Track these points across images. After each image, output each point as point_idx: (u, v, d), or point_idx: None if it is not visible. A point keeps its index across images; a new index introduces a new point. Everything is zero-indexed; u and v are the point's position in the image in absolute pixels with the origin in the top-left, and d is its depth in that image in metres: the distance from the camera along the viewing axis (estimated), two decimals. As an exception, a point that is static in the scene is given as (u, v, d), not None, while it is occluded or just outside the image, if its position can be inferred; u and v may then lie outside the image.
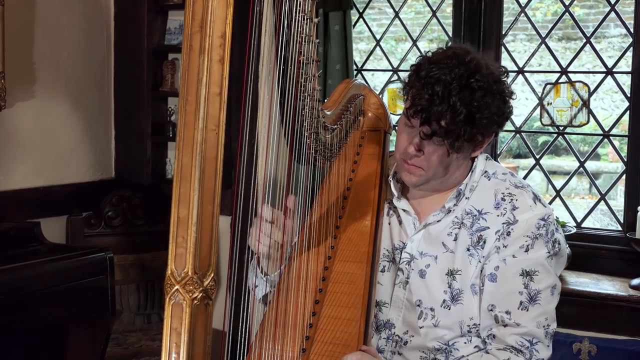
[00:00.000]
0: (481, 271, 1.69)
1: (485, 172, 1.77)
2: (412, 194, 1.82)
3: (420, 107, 1.61)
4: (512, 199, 1.71)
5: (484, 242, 1.69)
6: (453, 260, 1.72)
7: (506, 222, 1.69)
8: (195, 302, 1.09)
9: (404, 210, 1.81)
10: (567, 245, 3.06)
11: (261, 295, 1.80)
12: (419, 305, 1.73)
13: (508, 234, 1.68)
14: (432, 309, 1.72)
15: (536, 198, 1.72)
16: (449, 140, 1.62)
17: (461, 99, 1.59)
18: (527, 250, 1.66)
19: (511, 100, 1.70)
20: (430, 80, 1.61)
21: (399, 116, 1.78)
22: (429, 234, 1.76)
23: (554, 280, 1.69)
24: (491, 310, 1.65)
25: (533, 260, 1.66)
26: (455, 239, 1.73)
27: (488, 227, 1.70)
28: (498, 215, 1.70)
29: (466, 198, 1.75)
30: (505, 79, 1.69)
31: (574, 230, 3.14)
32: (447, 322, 1.70)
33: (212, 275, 1.11)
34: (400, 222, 1.82)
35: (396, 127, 1.84)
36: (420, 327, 1.73)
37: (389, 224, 1.84)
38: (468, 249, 1.71)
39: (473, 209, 1.73)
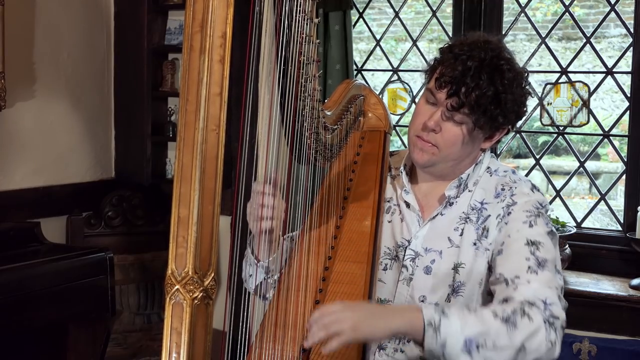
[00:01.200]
0: (490, 259, 1.70)
1: (489, 168, 1.81)
2: (419, 187, 1.84)
3: (453, 77, 1.66)
4: (510, 187, 1.75)
5: (487, 231, 1.71)
6: (458, 254, 1.72)
7: (505, 206, 1.72)
8: (196, 301, 1.09)
9: (408, 206, 1.81)
10: (567, 245, 3.09)
11: (254, 285, 1.80)
12: (422, 302, 1.74)
13: (509, 214, 1.71)
14: (436, 304, 1.71)
15: (534, 188, 1.76)
16: (475, 116, 1.67)
17: (491, 78, 1.65)
18: (530, 226, 1.68)
19: (530, 99, 1.77)
20: (464, 56, 1.67)
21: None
22: (434, 229, 1.77)
23: (557, 257, 1.69)
24: (500, 277, 1.63)
25: (536, 232, 1.67)
26: (462, 234, 1.74)
27: (490, 215, 1.73)
28: (498, 202, 1.73)
29: (469, 191, 1.77)
30: (526, 74, 1.75)
31: (574, 230, 3.14)
32: None
33: (213, 275, 1.11)
34: (402, 219, 1.82)
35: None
36: None
37: (390, 222, 1.84)
38: (474, 244, 1.72)
39: (476, 203, 1.76)
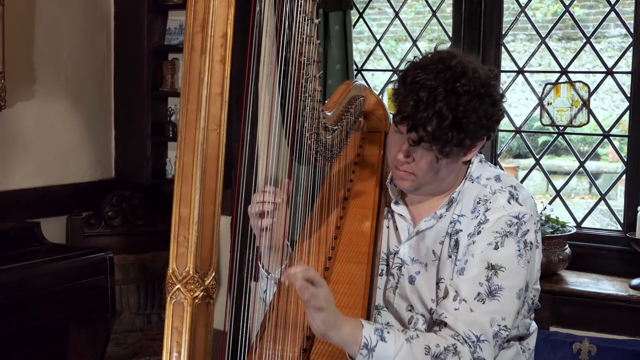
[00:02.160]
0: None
1: (471, 175, 1.75)
2: (410, 198, 1.82)
3: (406, 114, 1.61)
4: (486, 202, 1.69)
5: (458, 245, 1.68)
6: (440, 268, 1.71)
7: (477, 223, 1.67)
8: (197, 301, 1.09)
9: (400, 216, 1.80)
10: (567, 245, 3.09)
11: (269, 300, 1.79)
12: (409, 311, 1.73)
13: (478, 232, 1.66)
14: (422, 315, 1.72)
15: (512, 198, 1.69)
16: (437, 146, 1.61)
17: (447, 104, 1.57)
18: (496, 248, 1.63)
19: (503, 103, 1.69)
20: (415, 87, 1.60)
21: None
22: (421, 241, 1.75)
23: (523, 281, 1.63)
24: (450, 288, 1.62)
25: (501, 255, 1.62)
26: (442, 249, 1.72)
27: (461, 230, 1.69)
28: (472, 219, 1.69)
29: (457, 204, 1.73)
30: (494, 82, 1.67)
31: (574, 230, 3.14)
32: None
33: (213, 274, 1.11)
34: (396, 228, 1.82)
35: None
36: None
37: (387, 227, 1.84)
38: (449, 255, 1.69)
39: (455, 216, 1.72)
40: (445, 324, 1.59)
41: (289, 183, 1.66)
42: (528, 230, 1.65)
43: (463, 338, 1.55)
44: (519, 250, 1.63)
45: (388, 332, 1.50)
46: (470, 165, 1.74)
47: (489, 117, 1.64)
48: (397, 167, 1.71)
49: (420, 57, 1.70)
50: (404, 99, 1.62)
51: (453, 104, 1.58)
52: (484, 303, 1.58)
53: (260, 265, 1.78)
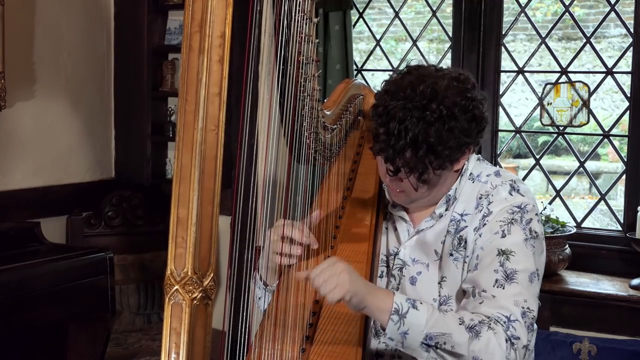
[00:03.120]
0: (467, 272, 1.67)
1: (471, 174, 1.73)
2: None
3: (379, 147, 1.59)
4: (488, 196, 1.68)
5: (465, 242, 1.67)
6: (442, 267, 1.70)
7: (482, 217, 1.66)
8: (195, 302, 1.09)
9: (400, 217, 1.79)
10: (567, 245, 3.09)
11: (264, 307, 1.79)
12: None
13: (484, 225, 1.65)
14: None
15: (513, 190, 1.68)
16: (415, 175, 1.60)
17: (419, 133, 1.55)
18: (503, 236, 1.62)
19: (484, 107, 1.64)
20: (386, 118, 1.57)
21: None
22: (422, 241, 1.74)
23: (533, 265, 1.61)
24: (467, 289, 1.61)
25: (510, 241, 1.61)
26: (443, 247, 1.71)
27: (467, 226, 1.68)
28: (476, 214, 1.68)
29: (457, 202, 1.72)
30: (471, 93, 1.62)
31: (574, 230, 3.14)
32: None
33: (212, 275, 1.11)
34: (395, 229, 1.81)
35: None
36: None
37: (386, 228, 1.83)
38: (451, 254, 1.69)
39: (457, 215, 1.71)
40: (473, 312, 1.56)
41: (318, 215, 1.66)
42: (531, 219, 1.65)
43: (495, 319, 1.52)
44: (525, 236, 1.62)
45: (420, 303, 1.49)
46: (467, 162, 1.72)
47: (467, 133, 1.61)
48: (388, 185, 1.71)
49: (391, 79, 1.66)
50: (376, 130, 1.60)
51: (424, 132, 1.55)
52: (504, 288, 1.56)
53: (258, 275, 1.78)
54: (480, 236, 1.65)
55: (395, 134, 1.55)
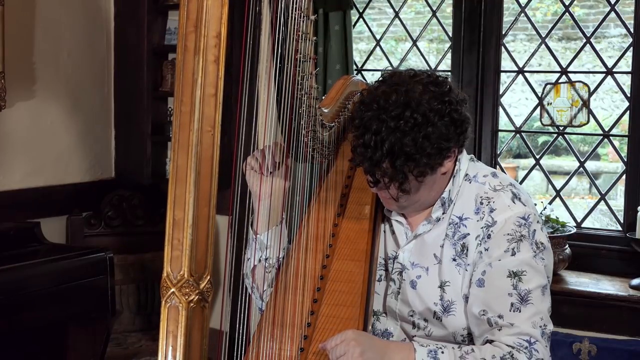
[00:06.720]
0: (470, 279, 1.65)
1: (467, 175, 1.71)
2: None
3: (358, 160, 1.59)
4: (489, 202, 1.66)
5: (467, 250, 1.66)
6: (443, 271, 1.69)
7: (485, 226, 1.64)
8: (192, 304, 1.09)
9: (397, 220, 1.78)
10: (567, 245, 3.09)
11: (250, 267, 1.76)
12: (411, 316, 1.72)
13: (488, 236, 1.63)
14: (425, 320, 1.70)
15: (515, 197, 1.66)
16: (396, 184, 1.59)
17: (395, 142, 1.54)
18: (513, 254, 1.60)
19: (464, 107, 1.62)
20: (362, 130, 1.57)
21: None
22: (421, 245, 1.73)
23: (544, 279, 1.62)
24: (483, 315, 1.60)
25: (519, 260, 1.60)
26: (442, 251, 1.70)
27: (468, 234, 1.66)
28: (477, 220, 1.66)
29: (454, 204, 1.70)
30: (449, 96, 1.60)
31: (574, 230, 3.13)
32: (440, 333, 1.68)
33: (209, 277, 1.10)
34: (393, 232, 1.79)
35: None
36: (413, 337, 1.72)
37: (384, 231, 1.82)
38: (454, 259, 1.67)
39: (455, 218, 1.69)
40: (492, 342, 1.58)
41: (288, 148, 1.64)
42: (535, 230, 1.64)
43: (517, 348, 1.54)
44: (534, 253, 1.61)
45: (442, 352, 1.51)
46: (458, 163, 1.70)
47: (447, 137, 1.58)
48: (377, 193, 1.70)
49: (367, 88, 1.65)
50: (354, 142, 1.60)
51: (400, 142, 1.54)
52: (520, 311, 1.57)
53: (250, 226, 1.76)
54: (486, 250, 1.63)
55: (372, 145, 1.55)
